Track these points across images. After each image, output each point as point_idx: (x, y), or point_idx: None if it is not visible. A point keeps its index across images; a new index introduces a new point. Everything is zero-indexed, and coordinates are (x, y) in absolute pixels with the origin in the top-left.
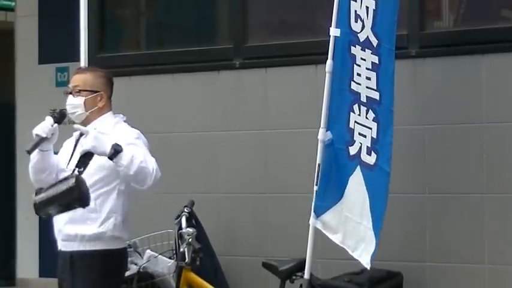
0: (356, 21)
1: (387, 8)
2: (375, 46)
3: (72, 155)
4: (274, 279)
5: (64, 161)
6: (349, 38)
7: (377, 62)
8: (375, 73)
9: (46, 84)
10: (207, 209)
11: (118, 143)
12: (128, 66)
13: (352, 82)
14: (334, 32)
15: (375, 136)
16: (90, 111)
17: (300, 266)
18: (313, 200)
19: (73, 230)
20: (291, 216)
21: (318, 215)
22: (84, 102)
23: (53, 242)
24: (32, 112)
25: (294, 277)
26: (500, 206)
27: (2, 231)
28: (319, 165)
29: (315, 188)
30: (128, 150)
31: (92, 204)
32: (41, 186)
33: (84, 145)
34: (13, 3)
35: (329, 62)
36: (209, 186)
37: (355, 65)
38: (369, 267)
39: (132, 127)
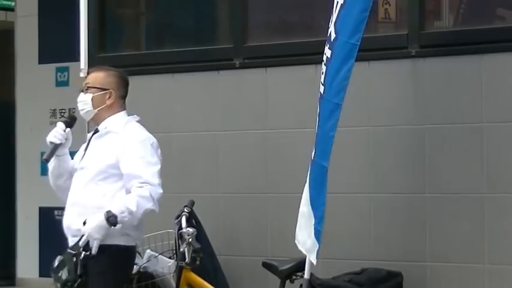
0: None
1: (355, 4)
2: (331, 40)
3: (84, 154)
4: (274, 279)
5: (78, 161)
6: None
7: (329, 56)
8: (325, 67)
9: (46, 84)
10: (207, 209)
11: (109, 212)
12: (128, 66)
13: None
14: None
15: (316, 130)
16: (98, 108)
17: (300, 266)
18: None
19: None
20: (291, 216)
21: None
22: (92, 99)
23: (53, 241)
24: (32, 112)
25: (294, 277)
26: (500, 206)
27: (2, 231)
28: None
29: None
30: (120, 205)
31: (101, 201)
32: (60, 192)
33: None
34: (13, 3)
35: None
36: (209, 186)
37: (323, 63)
38: (314, 263)
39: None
